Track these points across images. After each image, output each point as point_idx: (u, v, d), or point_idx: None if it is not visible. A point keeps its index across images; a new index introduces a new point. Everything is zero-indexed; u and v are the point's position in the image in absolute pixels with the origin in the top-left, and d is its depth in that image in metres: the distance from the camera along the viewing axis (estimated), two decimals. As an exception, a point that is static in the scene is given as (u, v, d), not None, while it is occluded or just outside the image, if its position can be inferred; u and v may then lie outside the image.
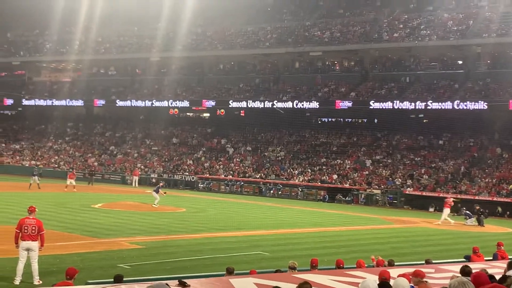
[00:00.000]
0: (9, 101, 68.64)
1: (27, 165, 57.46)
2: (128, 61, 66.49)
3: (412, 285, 7.42)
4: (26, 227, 13.82)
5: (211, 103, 57.61)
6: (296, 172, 49.21)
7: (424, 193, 42.06)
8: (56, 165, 58.11)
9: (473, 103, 44.77)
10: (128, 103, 61.84)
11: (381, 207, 41.75)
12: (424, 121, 51.07)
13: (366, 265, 12.37)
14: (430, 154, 47.95)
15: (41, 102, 66.65)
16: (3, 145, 64.97)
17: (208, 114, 62.67)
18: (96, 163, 57.93)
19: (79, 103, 65.08)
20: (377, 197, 43.51)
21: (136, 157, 58.02)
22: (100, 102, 64.07)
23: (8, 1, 75.43)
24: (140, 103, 60.88)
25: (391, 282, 6.93)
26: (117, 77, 68.30)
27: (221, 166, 52.66)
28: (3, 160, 61.07)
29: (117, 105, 62.51)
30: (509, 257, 13.79)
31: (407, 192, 42.82)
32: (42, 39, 69.85)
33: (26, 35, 73.00)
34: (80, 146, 62.94)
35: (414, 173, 45.44)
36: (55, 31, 65.67)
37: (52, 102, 65.82)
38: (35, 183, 42.08)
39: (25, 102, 68.03)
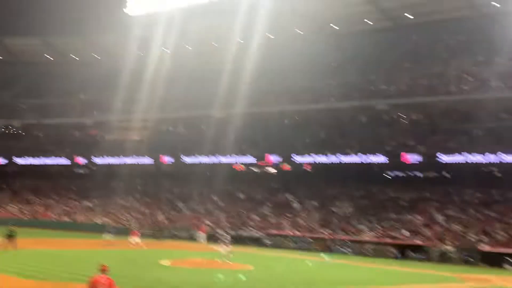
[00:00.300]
0: (81, 160, 71.10)
1: (98, 222, 58.77)
2: (194, 118, 67.88)
3: None
4: (98, 286, 13.90)
5: (276, 158, 57.81)
6: (365, 228, 48.15)
7: (500, 250, 40.14)
8: (127, 222, 59.08)
9: (549, 155, 43.04)
10: (194, 159, 62.98)
11: (455, 265, 40.02)
12: (497, 174, 49.31)
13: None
14: (505, 208, 45.99)
15: (112, 160, 68.73)
16: (76, 202, 66.95)
17: (273, 169, 62.78)
18: (164, 219, 58.59)
19: (148, 160, 66.66)
20: (451, 254, 41.84)
21: (203, 213, 58.36)
22: (168, 159, 65.42)
23: (79, 63, 79.59)
24: (206, 159, 61.88)
25: None
26: (184, 134, 69.73)
27: (288, 222, 52.21)
28: (76, 218, 62.75)
29: (184, 161, 63.66)
30: None
31: (481, 249, 40.98)
32: (112, 99, 71.92)
33: (97, 96, 75.92)
34: (149, 203, 64.01)
35: (489, 228, 43.57)
36: (124, 90, 67.97)
37: (122, 160, 67.73)
38: (108, 240, 42.83)
39: (96, 160, 70.26)
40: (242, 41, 63.64)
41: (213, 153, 61.76)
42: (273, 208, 56.03)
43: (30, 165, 73.83)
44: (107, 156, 69.42)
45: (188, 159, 63.60)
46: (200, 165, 62.91)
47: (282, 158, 57.44)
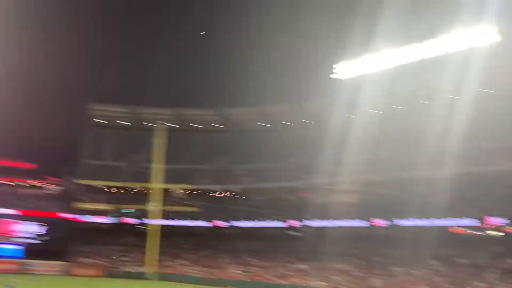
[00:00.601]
0: (294, 223, 72.85)
1: (313, 285, 59.05)
2: (405, 179, 66.00)
3: None
4: None
5: (500, 220, 53.75)
6: None
7: None
8: (340, 286, 58.63)
9: None
10: (407, 222, 61.12)
11: None
12: None
13: None
14: None
15: (323, 223, 69.30)
16: (291, 265, 68.21)
17: (497, 232, 58.25)
18: (379, 284, 57.09)
19: (359, 223, 66.02)
20: None
21: (420, 278, 55.73)
22: (380, 222, 64.23)
23: (289, 129, 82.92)
24: (420, 222, 59.77)
25: None
26: (395, 196, 68.06)
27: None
28: (292, 280, 63.78)
29: (396, 224, 61.95)
30: None
31: None
32: (322, 162, 72.74)
33: (308, 159, 77.73)
34: (362, 266, 62.95)
35: None
36: (334, 153, 68.70)
37: (333, 223, 67.93)
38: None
39: (309, 223, 71.37)
40: (455, 97, 61.10)
41: (426, 215, 59.39)
42: (500, 274, 51.67)
43: (248, 227, 77.49)
44: (319, 219, 70.19)
45: (400, 222, 61.84)
46: (413, 227, 60.65)
47: (507, 220, 53.16)
